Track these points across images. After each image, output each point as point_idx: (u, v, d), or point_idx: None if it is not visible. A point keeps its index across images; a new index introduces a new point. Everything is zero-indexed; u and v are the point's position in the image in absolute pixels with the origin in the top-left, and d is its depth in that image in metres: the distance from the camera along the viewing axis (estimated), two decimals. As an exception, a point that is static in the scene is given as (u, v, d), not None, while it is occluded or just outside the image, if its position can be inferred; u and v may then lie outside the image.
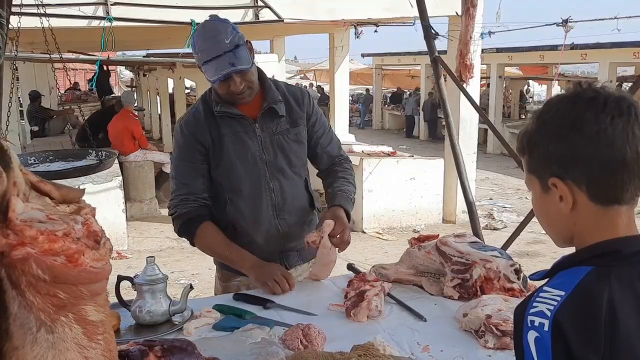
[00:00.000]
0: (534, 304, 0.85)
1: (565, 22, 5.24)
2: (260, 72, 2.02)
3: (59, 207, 0.83)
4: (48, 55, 4.08)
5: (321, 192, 2.27)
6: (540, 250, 6.46)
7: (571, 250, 0.97)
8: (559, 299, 0.84)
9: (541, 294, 0.87)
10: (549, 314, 0.83)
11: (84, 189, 0.88)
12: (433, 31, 2.87)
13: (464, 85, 3.14)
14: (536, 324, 0.83)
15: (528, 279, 1.04)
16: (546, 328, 0.82)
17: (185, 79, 11.48)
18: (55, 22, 3.99)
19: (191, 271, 5.73)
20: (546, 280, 0.93)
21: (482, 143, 12.54)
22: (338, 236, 1.92)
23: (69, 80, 6.44)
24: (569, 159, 0.89)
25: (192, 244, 2.07)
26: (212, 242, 2.04)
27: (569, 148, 0.89)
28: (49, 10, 3.86)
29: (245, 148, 1.99)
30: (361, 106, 21.44)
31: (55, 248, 0.76)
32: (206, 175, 2.01)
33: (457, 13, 3.12)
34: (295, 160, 2.06)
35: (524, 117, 17.51)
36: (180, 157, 2.04)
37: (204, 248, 2.07)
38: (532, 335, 0.83)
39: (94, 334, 0.84)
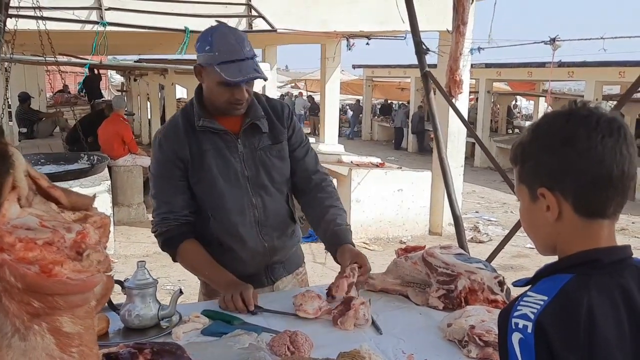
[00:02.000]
0: (518, 307, 0.90)
1: (553, 41, 5.35)
2: None
3: (63, 213, 0.83)
4: (43, 58, 4.08)
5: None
6: (524, 264, 6.54)
7: (553, 260, 1.02)
8: (542, 303, 0.89)
9: (525, 299, 0.91)
10: (532, 316, 0.88)
11: (94, 196, 0.88)
12: (424, 47, 2.93)
13: (453, 100, 3.19)
14: (520, 326, 0.88)
15: (512, 285, 1.08)
16: (529, 330, 0.87)
17: (177, 85, 11.48)
18: (49, 25, 4.00)
19: (177, 277, 5.71)
20: (529, 286, 0.97)
21: (469, 156, 12.67)
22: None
23: (63, 82, 6.43)
24: (559, 171, 0.94)
25: (175, 260, 2.05)
26: (193, 261, 2.02)
27: (560, 161, 0.94)
28: (45, 14, 3.87)
29: (228, 164, 1.95)
30: (351, 117, 21.54)
31: (29, 257, 0.75)
32: (186, 191, 1.98)
33: (447, 30, 3.18)
34: (277, 177, 2.03)
35: (511, 131, 17.70)
36: (159, 174, 2.00)
37: (186, 266, 2.04)
38: (516, 337, 0.88)
39: (67, 346, 0.82)
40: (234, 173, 1.96)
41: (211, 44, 1.83)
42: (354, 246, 2.00)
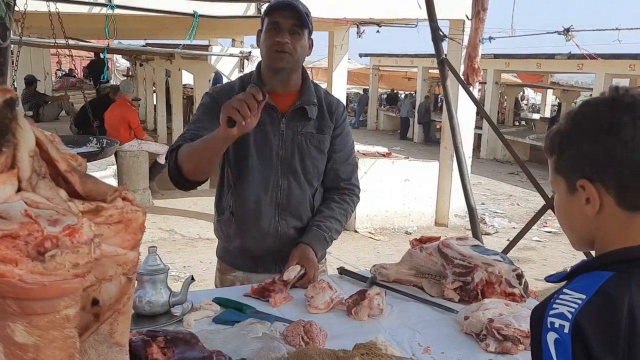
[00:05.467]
0: (554, 306, 0.86)
1: (567, 31, 5.27)
2: (304, 71, 2.05)
3: (72, 202, 0.75)
4: (53, 41, 4.04)
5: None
6: (531, 257, 6.51)
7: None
8: (579, 302, 0.84)
9: (561, 296, 0.87)
10: (569, 316, 0.83)
11: (117, 189, 0.79)
12: (441, 33, 2.87)
13: (470, 89, 3.13)
14: (556, 325, 0.84)
15: (535, 281, 1.04)
16: (566, 330, 0.82)
17: (183, 71, 11.41)
18: (58, 7, 3.95)
19: (182, 263, 5.71)
20: (564, 283, 0.93)
21: (475, 148, 12.62)
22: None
23: (74, 66, 6.42)
24: (602, 162, 0.90)
25: (178, 168, 1.87)
26: (191, 146, 1.85)
27: (603, 151, 0.89)
28: (53, -6, 3.83)
29: (266, 139, 1.97)
30: (357, 106, 21.45)
31: None
32: None
33: (467, 16, 3.12)
34: (310, 167, 2.03)
35: (518, 124, 17.61)
36: (203, 114, 1.97)
37: (186, 154, 1.86)
38: (551, 337, 0.84)
39: (16, 357, 0.72)
40: (269, 150, 1.98)
41: (270, 2, 1.93)
42: (315, 252, 1.99)
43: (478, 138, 13.95)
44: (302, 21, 1.88)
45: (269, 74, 1.96)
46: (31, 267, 0.67)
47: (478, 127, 11.50)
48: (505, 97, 17.42)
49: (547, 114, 18.78)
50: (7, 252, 0.66)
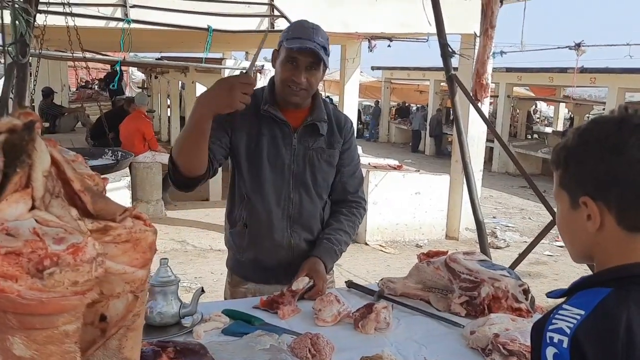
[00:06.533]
0: (554, 321, 0.87)
1: (578, 46, 5.28)
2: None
3: (82, 221, 0.76)
4: (70, 54, 4.14)
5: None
6: (542, 271, 6.47)
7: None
8: (578, 317, 0.86)
9: (560, 312, 0.88)
10: (568, 331, 0.85)
11: (127, 209, 0.81)
12: (450, 49, 2.90)
13: (479, 104, 3.16)
14: (555, 340, 0.85)
15: (546, 297, 1.05)
16: (565, 345, 0.84)
17: (197, 83, 11.54)
18: (76, 22, 4.05)
19: (194, 274, 5.75)
20: (564, 298, 0.95)
21: (487, 161, 12.58)
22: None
23: (92, 78, 6.54)
24: (606, 181, 0.91)
25: (175, 165, 1.89)
26: (179, 135, 1.90)
27: (608, 170, 0.90)
28: (72, 10, 3.93)
29: (278, 154, 2.03)
30: (370, 119, 21.49)
31: None
32: (214, 147, 1.95)
33: (475, 33, 3.16)
34: (321, 181, 2.09)
35: (530, 137, 17.53)
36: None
37: (178, 148, 1.88)
38: (550, 351, 0.85)
39: None
40: (281, 164, 2.03)
41: (289, 29, 1.99)
42: (325, 265, 2.03)
43: (490, 151, 13.93)
44: (319, 58, 1.91)
45: (283, 102, 2.01)
46: (30, 284, 0.69)
47: (490, 140, 11.51)
48: (518, 110, 17.37)
49: (560, 128, 18.69)
50: (8, 268, 0.68)
